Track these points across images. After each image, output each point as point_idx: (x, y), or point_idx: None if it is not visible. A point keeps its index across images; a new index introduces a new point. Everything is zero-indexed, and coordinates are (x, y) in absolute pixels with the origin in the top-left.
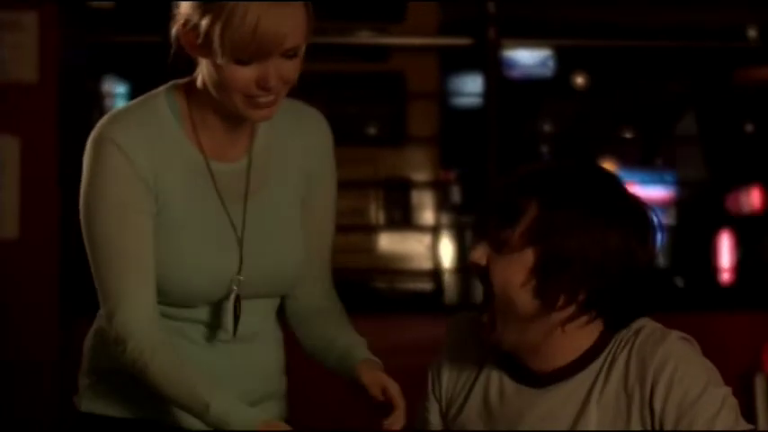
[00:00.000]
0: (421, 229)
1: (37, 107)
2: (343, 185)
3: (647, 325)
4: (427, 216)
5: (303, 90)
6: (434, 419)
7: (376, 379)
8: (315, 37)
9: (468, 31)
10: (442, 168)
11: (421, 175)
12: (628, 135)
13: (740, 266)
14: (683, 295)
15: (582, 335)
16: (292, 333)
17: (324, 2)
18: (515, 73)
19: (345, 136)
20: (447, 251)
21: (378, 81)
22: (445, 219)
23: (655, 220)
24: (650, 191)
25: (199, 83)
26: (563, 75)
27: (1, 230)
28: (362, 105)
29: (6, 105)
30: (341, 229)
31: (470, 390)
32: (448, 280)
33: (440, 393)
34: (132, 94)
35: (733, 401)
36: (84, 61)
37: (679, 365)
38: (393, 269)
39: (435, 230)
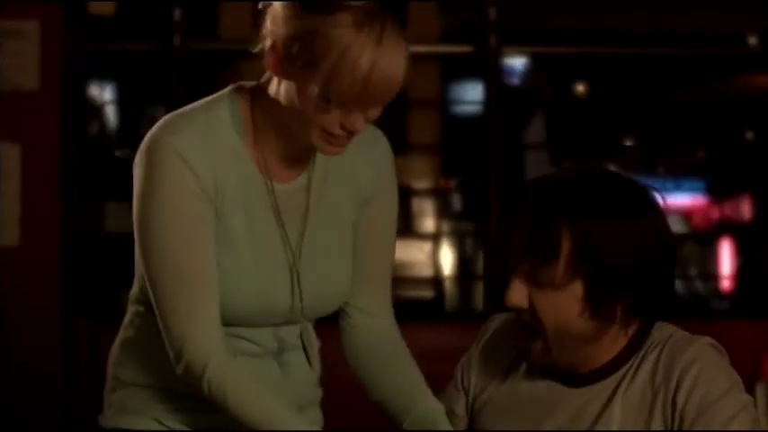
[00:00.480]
0: (422, 236)
1: (38, 115)
2: None
3: (677, 331)
4: (428, 224)
5: None
6: (459, 410)
7: None
8: None
9: (469, 38)
10: (443, 176)
11: (422, 183)
12: (629, 143)
13: (740, 274)
14: (683, 302)
15: (620, 334)
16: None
17: None
18: (516, 81)
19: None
20: (447, 259)
21: None
22: (446, 226)
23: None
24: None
25: (271, 92)
26: (563, 83)
27: (2, 238)
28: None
29: (7, 113)
30: None
31: (499, 387)
32: (449, 287)
33: (468, 386)
34: (128, 100)
35: (753, 410)
36: (85, 69)
37: (705, 367)
38: (394, 277)
39: (436, 238)
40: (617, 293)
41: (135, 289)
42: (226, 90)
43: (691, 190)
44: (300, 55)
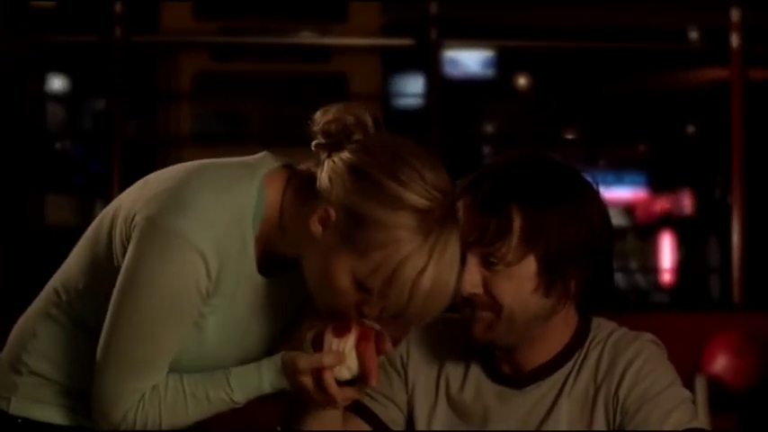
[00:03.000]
0: None
1: None
2: None
3: (618, 328)
4: None
5: (244, 91)
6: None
7: None
8: (255, 37)
9: (410, 32)
10: None
11: None
12: (570, 136)
13: (681, 268)
14: (623, 296)
15: (564, 326)
16: None
17: (265, 1)
18: (457, 74)
19: (286, 137)
20: None
21: (319, 82)
22: None
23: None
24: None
25: (290, 219)
26: (505, 76)
27: None
28: (304, 106)
29: None
30: None
31: (437, 391)
32: None
33: (405, 380)
34: (73, 93)
35: (691, 405)
36: (26, 61)
37: (647, 362)
38: None
39: None
40: (569, 268)
41: (63, 295)
42: (258, 170)
43: (632, 183)
44: (352, 233)
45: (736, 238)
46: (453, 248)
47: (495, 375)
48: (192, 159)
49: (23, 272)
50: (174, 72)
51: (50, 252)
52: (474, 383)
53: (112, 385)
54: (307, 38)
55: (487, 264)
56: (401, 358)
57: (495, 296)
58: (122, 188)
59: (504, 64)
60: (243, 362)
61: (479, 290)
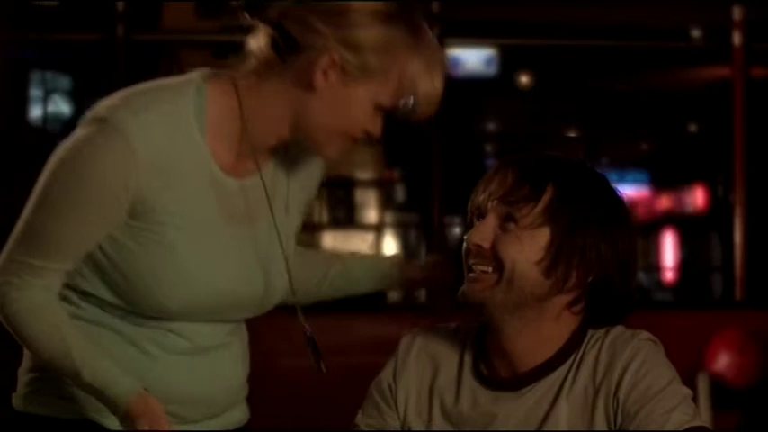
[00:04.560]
0: (364, 227)
1: None
2: None
3: (617, 327)
4: (371, 215)
5: None
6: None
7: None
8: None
9: None
10: (386, 167)
11: (365, 174)
12: (572, 134)
13: (684, 266)
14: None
15: (562, 328)
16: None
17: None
18: (459, 72)
19: None
20: (390, 250)
21: None
22: (389, 217)
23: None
24: None
25: (270, 89)
26: (507, 74)
27: None
28: None
29: None
30: None
31: (430, 408)
32: None
33: (395, 406)
34: (75, 90)
35: (692, 402)
36: (29, 58)
37: (646, 361)
38: None
39: (379, 229)
40: (576, 259)
41: (81, 282)
42: (195, 77)
43: (634, 182)
44: (370, 65)
45: (738, 235)
46: (434, 40)
47: (490, 381)
48: None
49: None
50: (175, 70)
51: None
52: (469, 393)
53: (6, 251)
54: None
55: (505, 222)
56: (389, 386)
57: (500, 253)
58: None
59: (506, 62)
60: (254, 308)
61: (487, 244)
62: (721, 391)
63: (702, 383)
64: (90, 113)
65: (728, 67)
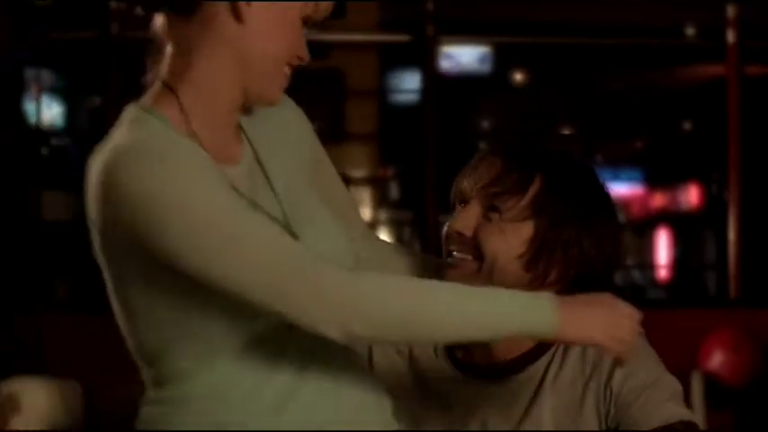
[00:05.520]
0: None
1: None
2: None
3: None
4: (365, 212)
5: None
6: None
7: None
8: None
9: (407, 27)
10: (381, 165)
11: (360, 172)
12: (566, 132)
13: (678, 264)
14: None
15: None
16: None
17: None
18: (453, 69)
19: None
20: None
21: (317, 78)
22: (383, 215)
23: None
24: None
25: (195, 79)
26: (501, 72)
27: None
28: (302, 102)
29: None
30: None
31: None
32: None
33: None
34: (69, 88)
35: (682, 396)
36: (25, 56)
37: (637, 353)
38: None
39: (373, 226)
40: (557, 256)
41: (184, 346)
42: (132, 112)
43: (628, 179)
44: None
45: (732, 233)
46: None
47: (471, 373)
48: None
49: (20, 268)
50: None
51: (47, 248)
52: (440, 372)
53: (268, 270)
54: (305, 34)
55: (488, 211)
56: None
57: (481, 243)
58: None
59: (501, 59)
60: None
61: (469, 232)
62: (715, 390)
63: (696, 382)
64: (110, 177)
65: (723, 65)
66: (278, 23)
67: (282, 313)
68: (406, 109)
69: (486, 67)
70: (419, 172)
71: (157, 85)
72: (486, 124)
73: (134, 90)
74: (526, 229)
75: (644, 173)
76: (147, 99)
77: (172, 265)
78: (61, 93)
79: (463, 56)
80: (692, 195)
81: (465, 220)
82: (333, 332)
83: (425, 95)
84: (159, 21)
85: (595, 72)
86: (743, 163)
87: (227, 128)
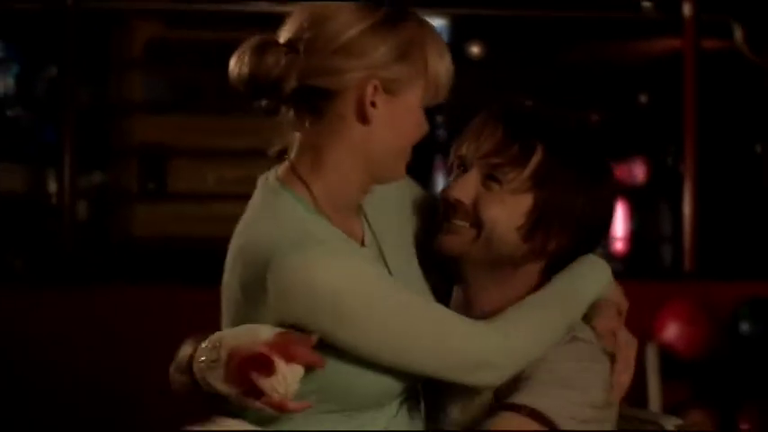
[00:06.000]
0: None
1: None
2: (235, 155)
3: None
4: None
5: (197, 59)
6: None
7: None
8: (211, 5)
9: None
10: None
11: None
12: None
13: (634, 236)
14: None
15: (528, 281)
16: None
17: None
18: None
19: (238, 106)
20: None
21: None
22: None
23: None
24: None
25: (324, 174)
26: (458, 44)
27: None
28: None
29: None
30: (231, 197)
31: None
32: None
33: None
34: (24, 59)
35: (561, 392)
36: None
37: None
38: None
39: None
40: (556, 228)
41: None
42: (270, 187)
43: None
44: (404, 72)
45: (687, 206)
46: (430, 24)
47: None
48: (144, 128)
49: None
50: (126, 39)
51: (1, 221)
52: None
53: (465, 349)
54: (262, 6)
55: (488, 180)
56: None
57: (480, 214)
58: (74, 157)
59: (457, 32)
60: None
61: (468, 200)
62: (671, 362)
63: (651, 354)
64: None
65: (679, 39)
66: (401, 117)
67: (452, 376)
68: None
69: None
70: None
71: (285, 169)
72: None
73: (89, 61)
74: (526, 201)
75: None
76: (280, 178)
77: (343, 349)
78: (16, 63)
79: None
80: (643, 168)
81: (464, 188)
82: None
83: None
84: (289, 113)
85: (552, 45)
86: (698, 136)
87: (351, 211)
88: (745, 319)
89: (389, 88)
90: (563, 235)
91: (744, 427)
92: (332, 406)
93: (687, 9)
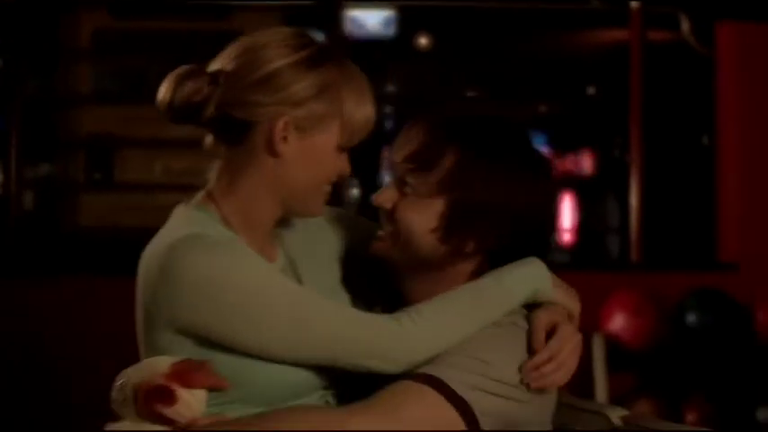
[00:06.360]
0: None
1: None
2: (181, 145)
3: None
4: None
5: (143, 49)
6: None
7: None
8: None
9: None
10: None
11: None
12: (470, 95)
13: (581, 228)
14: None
15: (466, 271)
16: None
17: None
18: (360, 33)
19: None
20: None
21: (219, 40)
22: None
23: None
24: None
25: (237, 198)
26: (406, 35)
27: None
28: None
29: None
30: (178, 188)
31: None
32: None
33: None
34: None
35: (465, 379)
36: None
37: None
38: None
39: None
40: (472, 227)
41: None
42: (181, 211)
43: None
44: (318, 112)
45: (634, 198)
46: (357, 69)
47: None
48: (91, 119)
49: None
50: (73, 29)
51: None
52: None
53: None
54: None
55: (403, 186)
56: None
57: (397, 219)
58: (21, 146)
59: (405, 23)
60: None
61: (388, 205)
62: (617, 353)
63: (598, 344)
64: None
65: (626, 30)
66: (313, 156)
67: (351, 364)
68: None
69: (390, 31)
70: None
71: (202, 194)
72: (390, 88)
73: (36, 51)
74: (438, 204)
75: (548, 137)
76: (194, 202)
77: (233, 346)
78: None
79: (368, 19)
80: (590, 160)
81: (384, 194)
82: (389, 370)
83: None
84: (209, 139)
85: (500, 36)
86: (645, 128)
87: (263, 236)
88: (691, 310)
89: (302, 126)
90: (490, 234)
91: (689, 417)
92: (253, 407)
93: (634, 1)
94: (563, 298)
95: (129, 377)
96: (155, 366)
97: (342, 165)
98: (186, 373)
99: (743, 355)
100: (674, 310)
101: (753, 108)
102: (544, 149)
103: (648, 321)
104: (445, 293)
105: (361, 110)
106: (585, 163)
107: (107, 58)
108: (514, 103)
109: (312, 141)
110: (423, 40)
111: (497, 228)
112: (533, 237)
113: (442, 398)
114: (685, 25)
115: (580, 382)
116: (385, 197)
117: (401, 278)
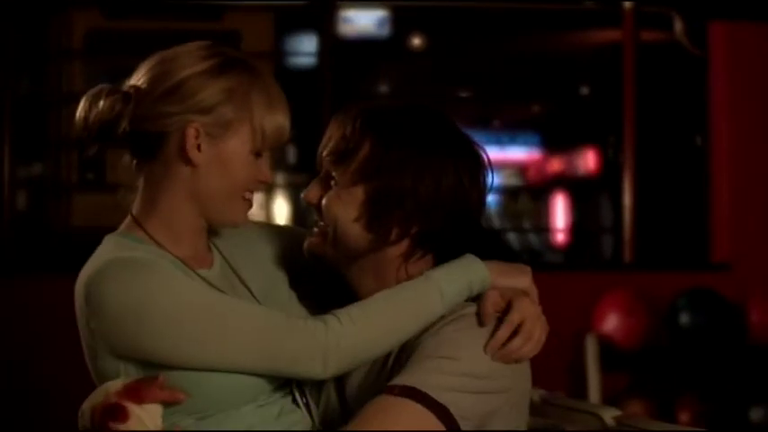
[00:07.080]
0: None
1: None
2: None
3: None
4: None
5: (136, 49)
6: None
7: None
8: None
9: None
10: None
11: None
12: (464, 95)
13: (575, 228)
14: (517, 255)
15: (414, 275)
16: None
17: None
18: (352, 33)
19: None
20: (282, 210)
21: (212, 40)
22: (280, 178)
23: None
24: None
25: (159, 213)
26: (399, 35)
27: None
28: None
29: None
30: None
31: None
32: None
33: None
34: None
35: (440, 380)
36: None
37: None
38: None
39: (270, 190)
40: (394, 216)
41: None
42: (108, 240)
43: (525, 144)
44: (227, 117)
45: (627, 198)
46: (269, 76)
47: None
48: None
49: None
50: (65, 30)
51: None
52: None
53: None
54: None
55: (328, 179)
56: None
57: (323, 212)
58: (13, 146)
59: (399, 23)
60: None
61: (315, 201)
62: (610, 352)
63: (591, 344)
64: (97, 288)
65: (619, 30)
66: (226, 161)
67: (277, 371)
68: (303, 72)
69: (384, 31)
70: (316, 136)
71: (128, 219)
72: (383, 88)
73: (28, 51)
74: (358, 193)
75: (541, 137)
76: (120, 229)
77: (171, 363)
78: None
79: (361, 19)
80: (588, 160)
81: (312, 190)
82: (321, 373)
83: (322, 59)
84: (128, 159)
85: (493, 36)
86: (638, 128)
87: (193, 245)
88: (684, 310)
89: (212, 132)
90: (411, 218)
91: (682, 416)
92: (218, 413)
93: (627, 1)
94: (509, 281)
95: (85, 406)
96: (106, 389)
97: (258, 171)
98: (138, 390)
99: (735, 354)
100: (666, 310)
101: (745, 108)
102: (537, 149)
103: (640, 321)
104: (379, 293)
105: (272, 115)
106: (579, 163)
107: (99, 58)
108: (508, 103)
109: (224, 147)
110: (416, 41)
111: (416, 212)
112: (457, 218)
113: (422, 407)
114: (678, 25)
115: (573, 383)
116: (312, 193)
117: (342, 274)
